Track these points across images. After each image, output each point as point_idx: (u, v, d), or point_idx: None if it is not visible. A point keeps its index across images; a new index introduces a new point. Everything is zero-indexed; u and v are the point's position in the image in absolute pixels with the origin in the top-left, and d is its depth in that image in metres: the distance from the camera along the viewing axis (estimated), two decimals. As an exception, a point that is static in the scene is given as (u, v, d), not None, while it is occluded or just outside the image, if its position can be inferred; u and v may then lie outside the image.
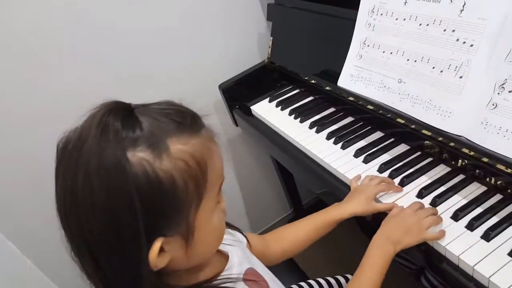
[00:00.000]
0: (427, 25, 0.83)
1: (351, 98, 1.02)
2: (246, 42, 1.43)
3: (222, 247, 0.65)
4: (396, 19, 0.90)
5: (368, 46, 0.97)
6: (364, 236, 1.33)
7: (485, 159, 0.73)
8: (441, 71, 0.80)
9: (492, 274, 0.62)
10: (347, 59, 1.02)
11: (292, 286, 0.91)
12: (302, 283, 0.93)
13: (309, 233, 0.84)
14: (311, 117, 1.15)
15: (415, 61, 0.85)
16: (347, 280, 0.94)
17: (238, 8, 1.36)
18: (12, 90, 1.10)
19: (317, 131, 1.09)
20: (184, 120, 0.50)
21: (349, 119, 1.10)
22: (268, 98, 1.31)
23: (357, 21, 1.00)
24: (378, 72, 0.94)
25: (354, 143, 1.01)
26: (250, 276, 0.64)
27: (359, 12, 0.99)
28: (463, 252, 0.67)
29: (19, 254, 1.18)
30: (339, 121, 1.10)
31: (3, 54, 1.06)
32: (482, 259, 0.65)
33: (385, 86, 0.92)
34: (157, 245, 0.47)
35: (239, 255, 0.66)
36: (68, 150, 0.46)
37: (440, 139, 0.81)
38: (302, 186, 1.72)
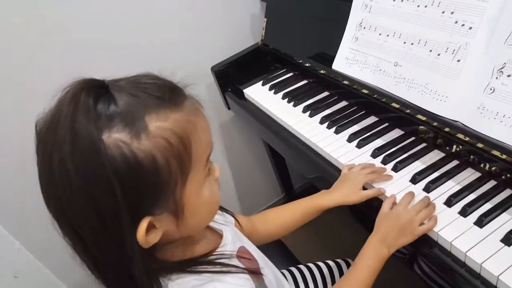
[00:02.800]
0: (425, 6, 0.81)
1: (345, 82, 1.00)
2: (239, 23, 1.40)
3: (216, 226, 0.66)
4: (394, 0, 0.87)
5: (364, 28, 0.95)
6: (355, 221, 1.33)
7: (480, 145, 0.72)
8: (439, 55, 0.78)
9: (485, 260, 0.61)
10: (343, 42, 1.00)
11: (283, 271, 0.91)
12: (292, 268, 0.93)
13: (296, 218, 0.85)
14: (305, 101, 1.13)
15: (412, 44, 0.83)
16: (338, 265, 0.93)
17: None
18: None
19: (311, 115, 1.07)
20: (163, 94, 0.47)
21: (343, 104, 1.08)
22: (261, 82, 1.29)
23: (353, 2, 0.97)
24: (374, 55, 0.92)
25: (348, 127, 0.99)
26: (243, 254, 0.64)
27: (356, -7, 0.96)
28: (455, 238, 0.66)
29: (7, 236, 1.16)
30: (333, 105, 1.09)
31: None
32: (475, 245, 0.64)
33: (380, 70, 0.90)
34: (143, 225, 0.46)
35: (231, 234, 0.66)
36: (43, 131, 0.45)
37: (435, 124, 0.80)
38: (294, 170, 1.71)
